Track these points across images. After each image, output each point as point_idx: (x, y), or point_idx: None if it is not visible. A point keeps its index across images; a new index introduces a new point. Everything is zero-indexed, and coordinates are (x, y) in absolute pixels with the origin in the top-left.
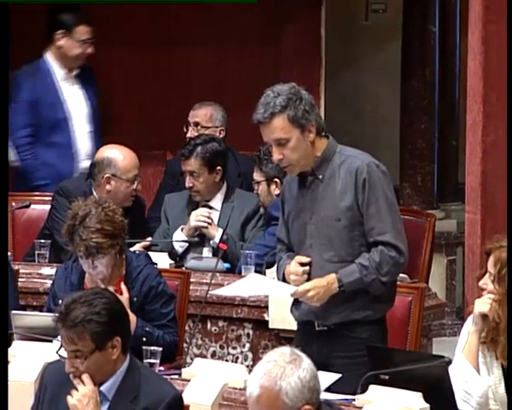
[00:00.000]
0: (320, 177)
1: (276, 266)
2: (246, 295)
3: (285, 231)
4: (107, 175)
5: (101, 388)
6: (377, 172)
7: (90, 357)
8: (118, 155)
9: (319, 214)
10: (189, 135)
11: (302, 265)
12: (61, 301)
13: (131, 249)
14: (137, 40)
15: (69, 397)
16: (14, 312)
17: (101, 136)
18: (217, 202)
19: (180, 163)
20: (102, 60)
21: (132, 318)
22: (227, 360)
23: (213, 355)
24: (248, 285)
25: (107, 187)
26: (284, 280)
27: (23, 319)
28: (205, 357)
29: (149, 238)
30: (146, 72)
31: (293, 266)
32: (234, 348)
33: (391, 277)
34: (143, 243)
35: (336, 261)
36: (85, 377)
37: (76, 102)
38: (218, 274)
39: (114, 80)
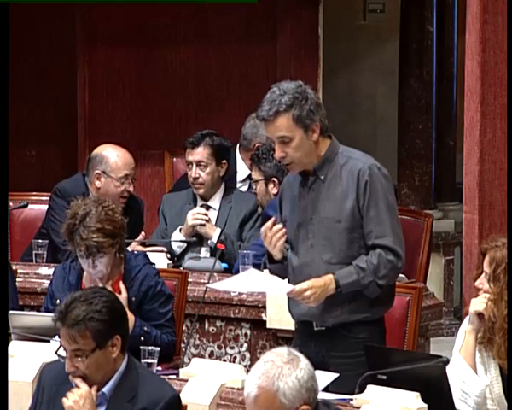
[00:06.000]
0: (322, 177)
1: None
2: (242, 290)
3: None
4: (97, 171)
5: (104, 389)
6: (379, 175)
7: (91, 356)
8: (111, 153)
9: (320, 215)
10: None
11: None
12: (59, 301)
13: (128, 249)
14: (132, 39)
15: (64, 399)
16: (11, 312)
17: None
18: (215, 201)
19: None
20: (91, 59)
21: (130, 317)
22: (225, 360)
23: (211, 355)
24: (245, 281)
25: (97, 183)
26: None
27: (21, 319)
28: (202, 357)
29: (142, 233)
30: (141, 72)
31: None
32: (232, 348)
33: (388, 280)
34: (138, 240)
35: (335, 263)
36: (78, 381)
37: None
38: (215, 274)
39: (109, 80)
